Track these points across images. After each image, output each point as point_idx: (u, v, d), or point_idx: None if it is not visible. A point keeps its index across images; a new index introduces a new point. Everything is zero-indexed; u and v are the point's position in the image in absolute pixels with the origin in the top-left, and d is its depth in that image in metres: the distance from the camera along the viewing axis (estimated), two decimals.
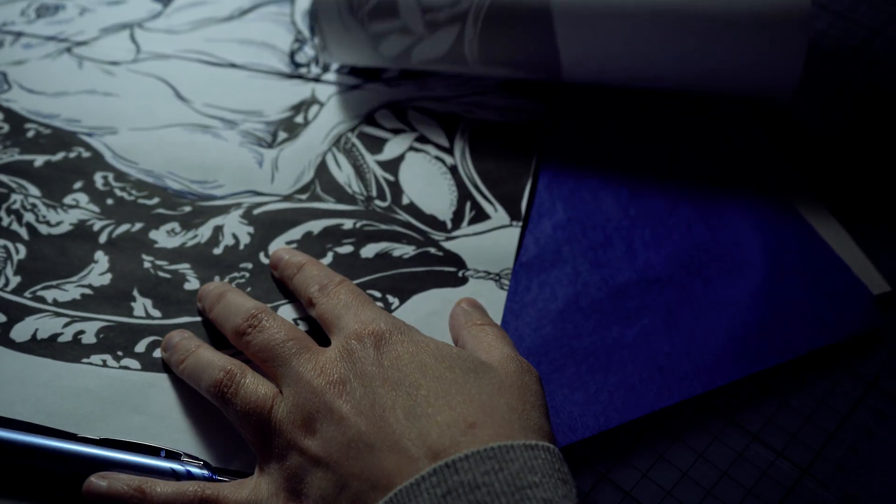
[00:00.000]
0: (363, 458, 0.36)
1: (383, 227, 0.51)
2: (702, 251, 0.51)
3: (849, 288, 0.49)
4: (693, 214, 0.52)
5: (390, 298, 0.48)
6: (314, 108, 0.56)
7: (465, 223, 0.51)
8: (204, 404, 0.44)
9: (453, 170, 0.53)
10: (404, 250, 0.50)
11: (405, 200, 0.52)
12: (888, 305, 0.49)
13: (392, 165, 0.53)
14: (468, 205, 0.52)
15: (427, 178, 0.53)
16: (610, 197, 0.53)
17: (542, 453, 0.35)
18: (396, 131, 0.55)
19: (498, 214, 0.51)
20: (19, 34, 0.60)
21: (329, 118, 0.56)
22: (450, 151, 0.54)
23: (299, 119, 0.56)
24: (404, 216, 0.51)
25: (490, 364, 0.40)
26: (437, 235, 0.51)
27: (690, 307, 0.48)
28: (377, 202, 0.52)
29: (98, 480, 0.40)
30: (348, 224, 0.51)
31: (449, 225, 0.51)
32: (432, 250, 0.50)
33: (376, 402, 0.37)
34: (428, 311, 0.47)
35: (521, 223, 0.51)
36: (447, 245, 0.50)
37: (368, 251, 0.50)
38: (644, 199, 0.53)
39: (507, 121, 0.56)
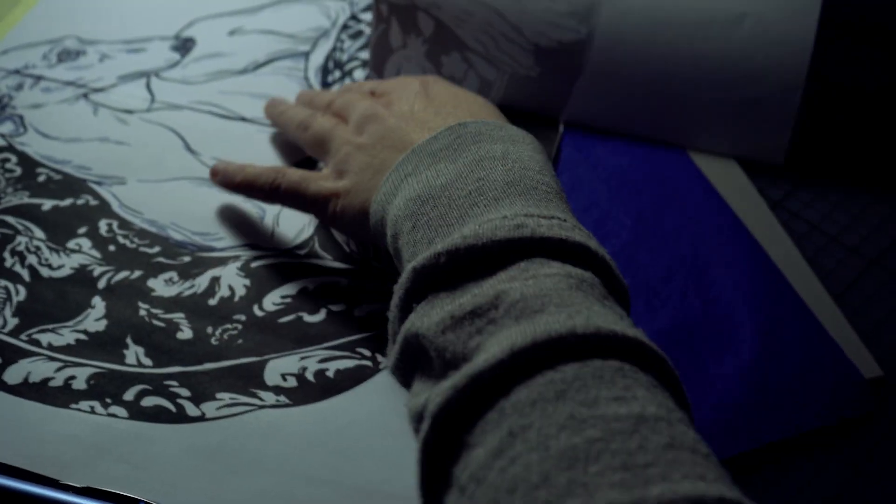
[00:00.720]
0: (394, 137, 0.47)
1: (378, 286, 0.51)
2: (693, 325, 0.51)
3: (841, 371, 0.49)
4: (687, 285, 0.52)
5: (379, 357, 0.48)
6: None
7: None
8: (185, 458, 0.44)
9: None
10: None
11: None
12: (879, 389, 0.49)
13: None
14: None
15: None
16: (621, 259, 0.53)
17: (532, 137, 0.47)
18: None
19: None
20: (39, 77, 0.61)
21: None
22: None
23: None
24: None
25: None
26: None
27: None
28: (374, 262, 0.53)
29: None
30: (344, 282, 0.52)
31: None
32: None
33: (414, 111, 0.48)
34: None
35: None
36: None
37: (361, 310, 0.50)
38: (641, 269, 0.53)
39: None
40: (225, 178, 0.52)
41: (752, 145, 0.57)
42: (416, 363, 0.38)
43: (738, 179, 0.58)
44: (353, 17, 0.67)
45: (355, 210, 0.47)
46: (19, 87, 0.61)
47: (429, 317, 0.37)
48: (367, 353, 0.49)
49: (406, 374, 0.39)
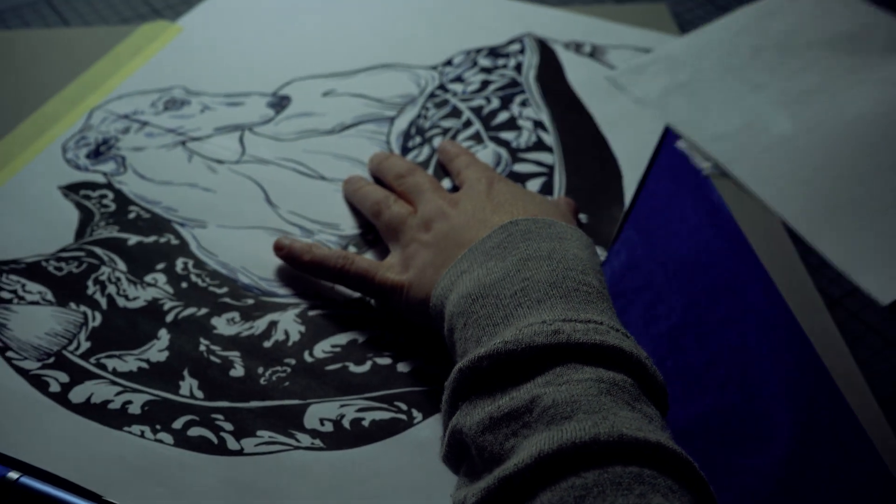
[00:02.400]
0: (456, 236, 0.51)
1: (424, 345, 0.54)
2: (730, 416, 0.51)
3: (876, 475, 0.49)
4: (730, 374, 0.53)
5: (415, 413, 0.50)
6: None
7: None
8: (220, 488, 0.47)
9: None
10: (439, 369, 0.52)
11: None
12: None
13: None
14: None
15: None
16: (649, 348, 0.54)
17: (581, 233, 0.50)
18: None
19: None
20: (145, 123, 0.66)
21: None
22: None
23: (371, 237, 0.60)
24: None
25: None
26: None
27: (705, 471, 0.49)
28: None
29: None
30: (391, 338, 0.54)
31: None
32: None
33: (476, 210, 0.52)
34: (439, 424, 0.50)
35: None
36: None
37: (405, 366, 0.53)
38: (686, 353, 0.54)
39: None
40: (291, 255, 0.56)
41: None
42: (461, 456, 0.42)
43: (799, 275, 0.59)
44: (441, 87, 0.70)
45: (417, 302, 0.51)
46: (126, 130, 0.66)
47: (471, 416, 0.41)
48: (403, 406, 0.51)
49: (454, 464, 0.43)
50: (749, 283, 0.58)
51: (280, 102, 0.69)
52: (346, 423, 0.50)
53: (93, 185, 0.62)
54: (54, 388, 0.51)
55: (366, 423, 0.50)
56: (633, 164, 0.65)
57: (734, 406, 0.52)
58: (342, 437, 0.50)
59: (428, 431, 0.50)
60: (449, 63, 0.73)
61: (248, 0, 0.78)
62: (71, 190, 0.62)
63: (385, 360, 0.53)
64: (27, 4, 0.79)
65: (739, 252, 0.59)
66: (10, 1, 0.79)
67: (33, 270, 0.57)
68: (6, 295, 0.56)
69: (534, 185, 0.63)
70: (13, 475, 0.46)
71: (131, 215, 0.61)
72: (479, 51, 0.74)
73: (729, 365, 0.53)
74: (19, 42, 0.73)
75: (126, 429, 0.50)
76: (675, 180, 0.64)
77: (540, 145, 0.66)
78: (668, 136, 0.67)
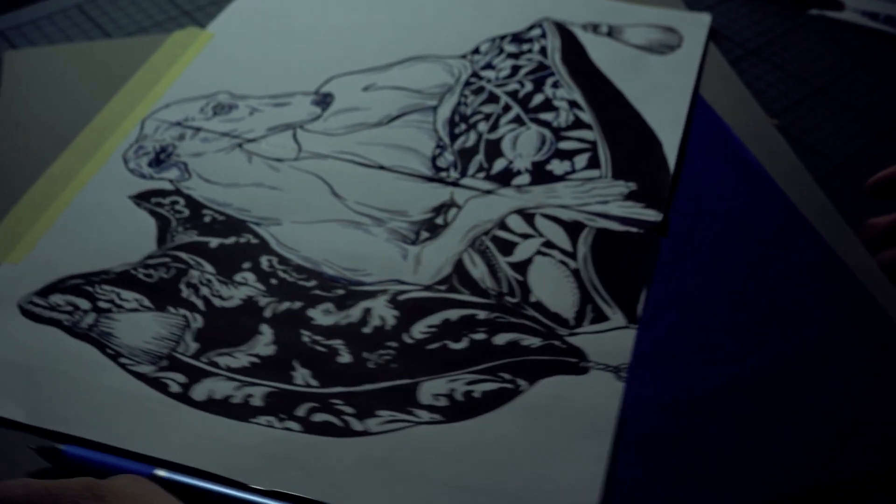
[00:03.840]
0: None
1: (513, 319, 0.57)
2: (802, 356, 0.56)
3: None
4: (789, 327, 0.57)
5: (519, 381, 0.54)
6: (453, 211, 0.63)
7: (586, 322, 0.57)
8: (355, 468, 0.50)
9: (576, 273, 0.60)
10: (531, 341, 0.56)
11: (533, 298, 0.58)
12: None
13: (521, 267, 0.60)
14: (589, 306, 0.58)
15: (552, 280, 0.59)
16: (722, 306, 0.58)
17: None
18: (525, 236, 0.62)
19: (616, 317, 0.57)
20: (199, 129, 0.68)
21: (466, 221, 0.63)
22: (573, 256, 0.61)
23: (439, 220, 0.63)
24: (532, 312, 0.58)
25: None
26: (561, 330, 0.57)
27: (778, 410, 0.53)
28: (508, 298, 0.58)
29: None
30: (482, 315, 0.57)
31: (572, 322, 0.57)
32: (556, 343, 0.56)
33: None
34: (553, 394, 0.53)
35: (636, 325, 0.57)
36: (570, 339, 0.56)
37: (500, 339, 0.56)
38: (753, 305, 0.58)
39: (627, 229, 0.62)
40: None
41: None
42: None
43: (838, 223, 0.64)
44: (475, 74, 0.73)
45: None
46: (181, 137, 0.68)
47: None
48: (507, 377, 0.54)
49: None
50: (795, 236, 0.62)
51: (324, 100, 0.71)
52: (458, 396, 0.53)
53: (162, 193, 0.64)
54: (174, 388, 0.53)
55: (476, 395, 0.54)
56: (668, 132, 0.69)
57: (805, 345, 0.56)
58: (458, 409, 0.53)
59: (535, 398, 0.53)
60: (476, 52, 0.76)
61: (268, 4, 0.80)
62: (142, 198, 0.64)
63: (480, 336, 0.56)
64: (60, 11, 0.80)
65: (781, 207, 0.64)
66: (43, 10, 0.79)
67: (125, 279, 0.59)
68: (104, 305, 0.57)
69: (580, 160, 0.67)
70: (161, 472, 0.49)
71: (206, 219, 0.63)
72: (503, 38, 0.77)
73: (786, 315, 0.58)
74: (57, 57, 0.74)
75: (253, 420, 0.52)
76: (710, 145, 0.68)
77: (579, 123, 0.70)
78: (700, 105, 0.71)
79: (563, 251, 0.61)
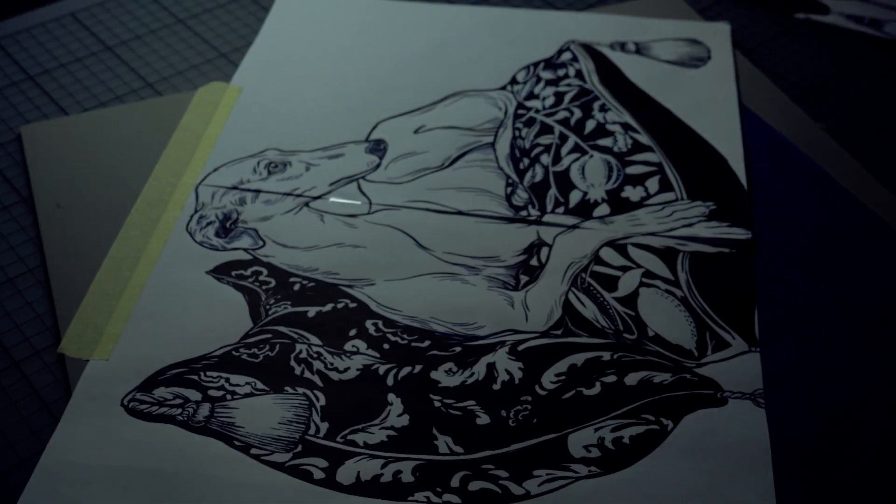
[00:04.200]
0: None
1: (638, 357, 0.56)
2: None
3: None
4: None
5: (664, 421, 0.53)
6: (544, 250, 0.62)
7: (709, 351, 0.57)
8: None
9: (684, 301, 0.59)
10: (663, 377, 0.55)
11: (650, 333, 0.57)
12: None
13: (629, 301, 0.59)
14: (707, 334, 0.57)
15: (664, 311, 0.59)
16: (831, 317, 0.59)
17: None
18: (624, 269, 0.61)
19: (736, 342, 0.57)
20: (258, 191, 0.65)
21: (560, 259, 0.62)
22: (676, 284, 0.60)
23: (534, 262, 0.61)
24: (653, 347, 0.57)
25: None
26: (688, 363, 0.56)
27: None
28: (626, 335, 0.57)
29: None
30: (606, 356, 0.56)
31: (695, 353, 0.57)
32: (688, 376, 0.55)
33: None
34: (701, 430, 0.53)
35: (757, 349, 0.57)
36: (700, 371, 0.56)
37: (630, 379, 0.55)
38: (860, 318, 0.59)
39: (720, 250, 0.62)
40: None
41: None
42: None
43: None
44: (521, 106, 0.72)
45: None
46: (242, 201, 0.65)
47: None
48: (651, 418, 0.53)
49: None
50: (872, 238, 0.63)
51: (378, 147, 0.69)
52: (609, 444, 0.52)
53: (241, 264, 0.61)
54: (318, 475, 0.51)
55: (626, 441, 0.52)
56: (727, 146, 0.69)
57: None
58: (613, 459, 0.52)
59: (685, 436, 0.53)
60: (514, 81, 0.75)
61: (289, 50, 0.77)
62: (221, 272, 0.60)
63: (611, 378, 0.55)
64: (54, 20, 0.77)
65: (854, 211, 0.65)
66: (37, 19, 0.76)
67: (229, 362, 0.56)
68: (216, 392, 0.54)
69: (652, 184, 0.66)
70: None
71: (296, 287, 0.60)
72: (535, 65, 0.76)
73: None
74: (79, 127, 0.70)
75: (410, 498, 0.50)
76: (769, 155, 0.69)
77: (638, 146, 0.69)
78: (746, 114, 0.72)
79: (665, 280, 0.60)
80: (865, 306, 0.59)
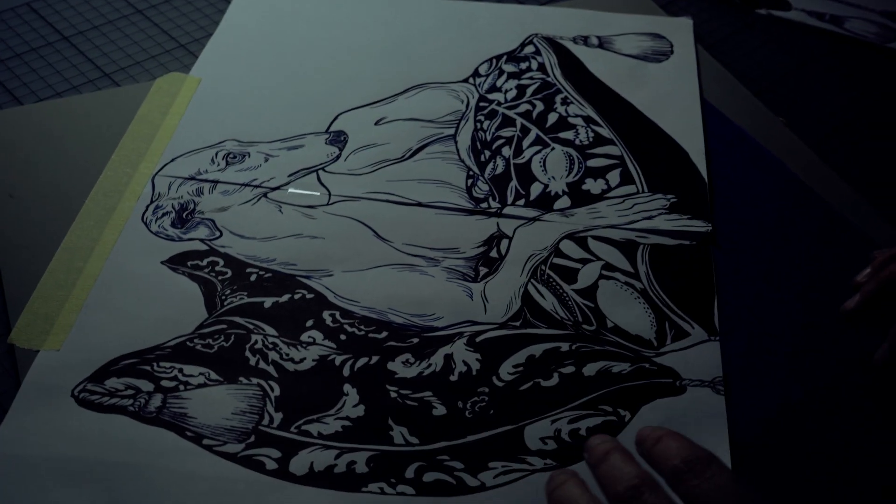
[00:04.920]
0: None
1: (597, 347, 0.56)
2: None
3: None
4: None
5: (622, 412, 0.53)
6: (504, 242, 0.62)
7: (668, 341, 0.56)
8: None
9: (643, 293, 0.59)
10: (621, 367, 0.55)
11: (609, 324, 0.57)
12: None
13: (589, 293, 0.59)
14: (667, 324, 0.57)
15: (624, 303, 0.58)
16: (791, 309, 0.59)
17: None
18: (584, 261, 0.61)
19: (696, 331, 0.57)
20: (216, 182, 0.64)
21: (520, 251, 0.61)
22: (636, 276, 0.60)
23: (493, 254, 0.61)
24: (612, 337, 0.57)
25: None
26: (647, 353, 0.56)
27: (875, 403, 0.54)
28: (585, 326, 0.57)
29: None
30: (565, 347, 0.56)
31: (654, 343, 0.56)
32: (646, 365, 0.55)
33: None
34: (658, 420, 0.52)
35: (717, 338, 0.56)
36: (659, 360, 0.55)
37: (589, 370, 0.55)
38: (818, 304, 0.59)
39: (680, 242, 0.62)
40: None
41: None
42: None
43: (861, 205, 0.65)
44: (482, 98, 0.72)
45: None
46: (199, 192, 0.64)
47: None
48: (608, 408, 0.53)
49: None
50: (834, 232, 0.63)
51: (339, 138, 0.68)
52: (565, 436, 0.52)
53: (197, 254, 0.60)
54: (270, 465, 0.50)
55: (583, 433, 0.52)
56: (689, 140, 0.69)
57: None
58: (569, 451, 0.51)
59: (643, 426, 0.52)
60: (476, 74, 0.74)
61: (250, 41, 0.76)
62: (176, 262, 0.60)
63: (569, 369, 0.55)
64: (9, 9, 0.76)
65: (813, 205, 0.65)
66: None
67: (182, 352, 0.55)
68: (169, 383, 0.53)
69: (613, 176, 0.66)
70: None
71: (252, 277, 0.59)
72: (498, 58, 0.76)
73: None
74: (36, 116, 0.69)
75: (365, 489, 0.49)
76: (730, 149, 0.69)
77: (600, 139, 0.69)
78: (708, 109, 0.72)
79: (624, 272, 0.60)
80: (823, 297, 0.60)
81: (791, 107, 0.73)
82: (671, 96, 0.73)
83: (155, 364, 0.54)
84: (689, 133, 0.70)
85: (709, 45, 0.79)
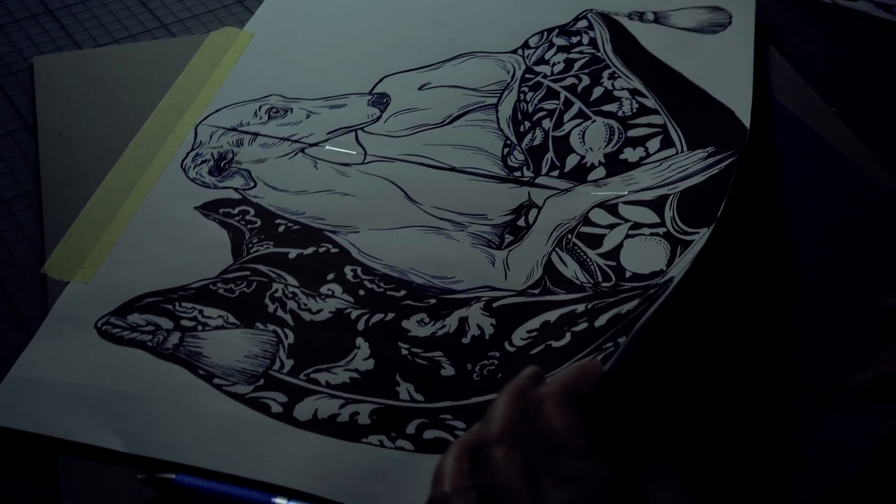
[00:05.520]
0: None
1: (611, 300, 0.55)
2: None
3: None
4: None
5: (620, 340, 0.52)
6: (533, 212, 0.62)
7: (678, 258, 0.56)
8: None
9: (667, 235, 0.58)
10: (630, 306, 0.54)
11: (628, 274, 0.57)
12: None
13: (613, 254, 0.58)
14: (679, 248, 0.56)
15: (644, 251, 0.58)
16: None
17: None
18: (612, 226, 0.60)
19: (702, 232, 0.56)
20: (256, 134, 0.66)
21: (548, 221, 0.61)
22: (661, 225, 0.59)
23: (521, 222, 0.61)
24: (629, 284, 0.56)
25: None
26: (656, 281, 0.55)
27: None
28: (603, 284, 0.57)
29: None
30: (580, 308, 0.56)
31: (665, 269, 0.55)
32: (652, 291, 0.54)
33: None
34: None
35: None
36: (664, 278, 0.54)
37: (601, 321, 0.54)
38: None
39: (708, 174, 0.60)
40: None
41: None
42: None
43: None
44: (529, 70, 0.72)
45: None
46: (239, 143, 0.65)
47: None
48: (610, 345, 0.52)
49: None
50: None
51: (381, 100, 0.69)
52: None
53: (230, 202, 0.61)
54: (276, 409, 0.51)
55: None
56: (737, 101, 0.67)
57: None
58: None
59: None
60: (526, 46, 0.74)
61: (305, 0, 0.77)
62: (209, 209, 0.61)
63: (581, 326, 0.54)
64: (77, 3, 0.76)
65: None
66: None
67: (205, 295, 0.56)
68: (188, 323, 0.55)
69: (653, 144, 0.65)
70: (281, 501, 0.46)
71: (280, 228, 0.60)
72: (550, 31, 0.75)
73: None
74: (90, 62, 0.71)
75: (364, 440, 0.50)
76: (790, 141, 0.67)
77: (644, 110, 0.68)
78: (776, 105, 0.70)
79: (650, 225, 0.59)
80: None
81: (846, 97, 0.72)
82: (723, 65, 0.71)
83: (177, 304, 0.56)
84: (738, 96, 0.68)
85: (771, 30, 0.77)
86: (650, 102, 0.69)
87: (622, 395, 0.41)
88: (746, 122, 0.65)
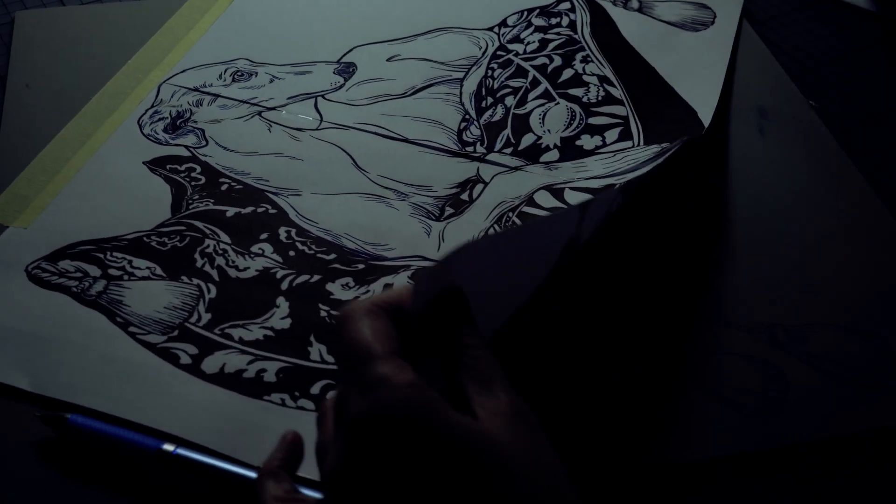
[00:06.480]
0: None
1: None
2: None
3: None
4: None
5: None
6: (479, 187, 0.61)
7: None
8: None
9: None
10: None
11: None
12: None
13: None
14: None
15: None
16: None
17: None
18: (554, 209, 0.59)
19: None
20: (217, 95, 0.66)
21: (492, 197, 0.60)
22: None
23: (465, 196, 0.60)
24: None
25: None
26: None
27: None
28: None
29: None
30: None
31: None
32: None
33: None
34: None
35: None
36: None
37: None
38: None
39: (659, 161, 0.59)
40: None
41: None
42: None
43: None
44: (502, 47, 0.71)
45: None
46: (199, 103, 0.66)
47: None
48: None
49: None
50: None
51: (347, 69, 0.69)
52: None
53: (178, 159, 0.62)
54: (185, 360, 0.51)
55: None
56: (702, 104, 0.66)
57: None
58: None
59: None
60: (504, 24, 0.73)
61: None
62: (157, 164, 0.61)
63: None
64: None
65: None
66: None
67: (137, 246, 0.57)
68: (115, 272, 0.55)
69: (612, 134, 0.64)
70: (168, 447, 0.46)
71: (223, 187, 0.60)
72: (531, 11, 0.74)
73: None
74: (70, 19, 0.72)
75: (266, 398, 0.50)
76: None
77: (610, 99, 0.67)
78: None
79: None
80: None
81: (826, 92, 0.70)
82: (697, 65, 0.70)
83: (108, 253, 0.56)
84: (704, 98, 0.66)
85: (758, 22, 0.76)
86: (617, 92, 0.67)
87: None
88: (707, 123, 0.63)
